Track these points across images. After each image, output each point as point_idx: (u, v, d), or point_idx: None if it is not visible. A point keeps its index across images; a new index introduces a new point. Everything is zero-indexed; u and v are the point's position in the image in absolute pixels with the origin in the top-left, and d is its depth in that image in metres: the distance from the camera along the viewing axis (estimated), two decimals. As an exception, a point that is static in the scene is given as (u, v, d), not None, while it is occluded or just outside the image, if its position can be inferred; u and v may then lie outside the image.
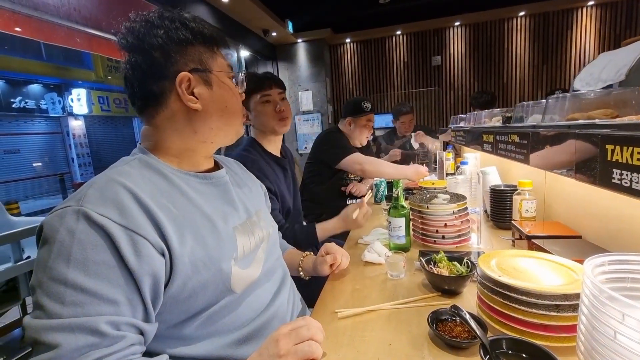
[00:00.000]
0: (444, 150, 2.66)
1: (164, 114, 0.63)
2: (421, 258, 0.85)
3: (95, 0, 3.00)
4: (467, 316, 0.53)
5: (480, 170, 1.28)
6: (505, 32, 4.96)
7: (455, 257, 0.82)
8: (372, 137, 5.13)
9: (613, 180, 0.45)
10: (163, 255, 0.53)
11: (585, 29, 4.68)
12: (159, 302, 0.53)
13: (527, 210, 0.97)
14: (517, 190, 1.07)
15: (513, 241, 0.96)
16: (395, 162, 3.02)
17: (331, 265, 0.87)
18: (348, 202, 2.05)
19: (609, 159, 0.45)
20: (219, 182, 0.69)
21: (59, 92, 11.18)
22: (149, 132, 0.65)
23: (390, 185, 1.97)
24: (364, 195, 2.07)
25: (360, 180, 2.14)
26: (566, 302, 0.51)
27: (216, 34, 0.66)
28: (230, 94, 0.68)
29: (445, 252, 0.84)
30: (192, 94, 0.62)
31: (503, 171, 1.33)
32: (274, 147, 1.31)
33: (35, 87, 10.76)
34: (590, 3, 4.57)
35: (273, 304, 0.70)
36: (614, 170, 0.44)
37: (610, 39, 4.62)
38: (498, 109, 1.12)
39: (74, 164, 11.63)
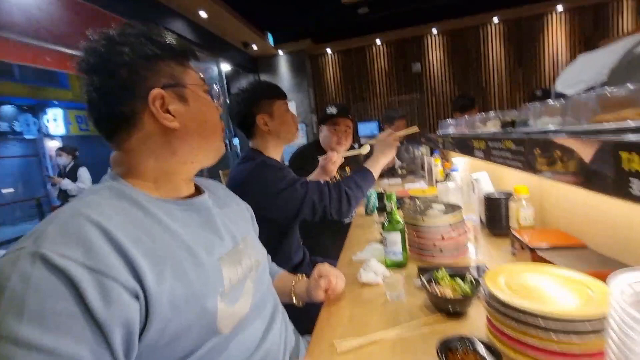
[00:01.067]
0: (430, 155, 2.66)
1: (138, 136, 0.56)
2: (421, 276, 0.80)
3: (68, 18, 2.90)
4: (482, 349, 0.48)
5: (473, 177, 1.25)
6: (481, 38, 5.10)
7: (457, 273, 0.77)
8: (357, 145, 5.13)
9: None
10: (137, 298, 0.46)
11: (556, 33, 4.87)
12: (133, 354, 0.46)
13: (525, 218, 0.94)
14: (512, 196, 1.04)
15: (514, 252, 0.92)
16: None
17: (326, 290, 0.81)
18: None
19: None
20: (202, 207, 0.62)
21: (34, 113, 10.80)
22: (120, 157, 0.59)
23: (381, 195, 1.94)
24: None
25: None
26: (587, 327, 0.46)
27: (186, 47, 0.60)
28: (208, 108, 0.62)
29: (445, 267, 0.79)
30: (168, 111, 0.56)
31: (494, 176, 1.31)
32: (277, 154, 1.26)
33: (8, 109, 10.37)
34: (560, 9, 4.76)
35: (265, 341, 0.63)
36: None
37: (580, 42, 4.81)
38: (492, 112, 1.09)
39: (50, 187, 11.19)
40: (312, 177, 1.60)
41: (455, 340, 0.56)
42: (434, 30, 5.17)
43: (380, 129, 5.22)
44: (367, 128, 5.17)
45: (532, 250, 0.76)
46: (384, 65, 5.49)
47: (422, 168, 2.81)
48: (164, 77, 0.57)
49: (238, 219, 0.74)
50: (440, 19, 4.91)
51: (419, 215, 1.01)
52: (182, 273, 0.51)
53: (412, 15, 4.88)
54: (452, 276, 0.76)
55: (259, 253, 0.73)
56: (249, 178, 1.08)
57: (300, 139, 5.39)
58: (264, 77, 5.42)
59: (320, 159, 1.45)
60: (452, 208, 1.05)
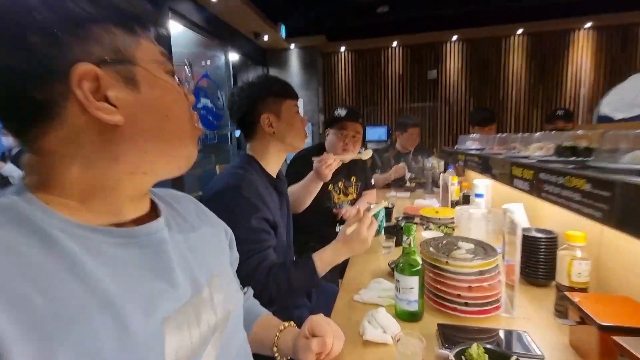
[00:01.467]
0: (444, 171, 2.46)
1: (58, 133, 0.37)
2: (446, 346, 0.60)
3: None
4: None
5: (507, 208, 1.05)
6: (502, 49, 4.88)
7: (500, 353, 0.57)
8: (364, 149, 4.93)
9: None
10: None
11: (581, 50, 4.64)
12: None
13: (579, 274, 0.74)
14: (554, 238, 0.84)
15: (559, 315, 0.72)
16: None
17: (319, 354, 0.61)
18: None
19: None
20: (150, 240, 0.42)
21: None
22: (34, 163, 0.39)
23: (389, 211, 1.73)
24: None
25: (353, 203, 1.89)
26: None
27: (137, 6, 0.40)
28: (173, 97, 0.43)
29: (474, 330, 0.60)
30: (106, 99, 0.37)
31: (529, 208, 1.11)
32: (274, 166, 1.07)
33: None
34: (587, 25, 4.54)
35: None
36: None
37: (606, 62, 4.58)
38: (539, 133, 0.89)
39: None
40: (305, 181, 1.43)
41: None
42: (454, 37, 4.95)
43: (390, 135, 5.02)
44: (375, 133, 4.97)
45: (604, 330, 0.56)
46: (398, 69, 5.27)
47: (434, 182, 2.61)
48: (100, 48, 0.37)
49: (209, 249, 0.54)
50: (461, 26, 4.69)
51: (441, 256, 0.81)
52: (91, 350, 0.32)
53: (433, 20, 4.66)
54: (492, 356, 0.56)
55: (232, 299, 0.53)
56: (218, 197, 0.90)
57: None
58: (272, 71, 5.21)
59: (315, 160, 1.26)
60: (484, 250, 0.85)
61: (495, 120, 2.72)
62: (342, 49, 5.35)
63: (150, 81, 0.41)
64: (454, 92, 5.12)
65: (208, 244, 0.55)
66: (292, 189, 1.55)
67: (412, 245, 0.78)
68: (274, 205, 1.00)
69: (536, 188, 0.76)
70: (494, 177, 1.08)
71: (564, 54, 4.69)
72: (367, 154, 1.50)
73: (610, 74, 4.55)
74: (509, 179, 0.90)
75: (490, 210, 1.31)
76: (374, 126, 5.07)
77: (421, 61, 5.18)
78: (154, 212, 0.48)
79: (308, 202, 1.50)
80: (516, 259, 0.77)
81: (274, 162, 1.05)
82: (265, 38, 4.62)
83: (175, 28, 3.28)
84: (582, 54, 4.64)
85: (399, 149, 2.91)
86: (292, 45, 5.04)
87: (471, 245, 0.86)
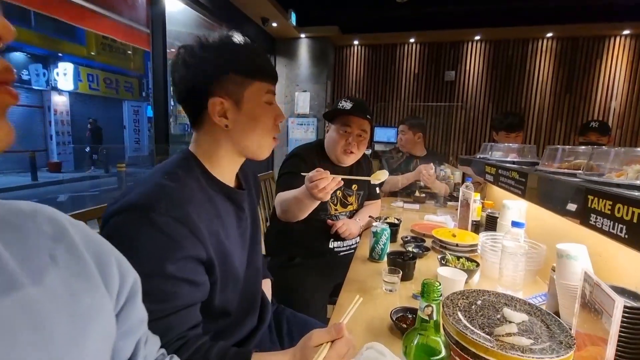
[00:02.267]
0: (462, 182, 2.14)
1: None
2: None
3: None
4: None
5: (565, 251, 0.74)
6: (528, 53, 4.51)
7: None
8: (370, 151, 4.62)
9: None
10: None
11: (617, 59, 4.25)
12: None
13: None
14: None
15: None
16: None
17: None
18: (331, 245, 1.50)
19: None
20: None
21: (45, 64, 10.48)
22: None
23: (395, 228, 1.43)
24: (353, 237, 1.52)
25: (353, 215, 1.59)
26: None
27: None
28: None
29: None
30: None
31: (594, 254, 0.79)
32: (227, 172, 0.75)
33: (18, 56, 10.06)
34: (626, 32, 4.15)
35: None
36: None
37: (643, 74, 4.19)
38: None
39: (52, 141, 10.88)
40: (298, 194, 1.11)
41: None
42: (477, 37, 4.59)
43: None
44: (384, 134, 4.64)
45: None
46: (413, 67, 4.93)
47: (447, 194, 2.29)
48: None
49: (83, 307, 0.30)
50: (485, 24, 4.32)
51: (483, 337, 0.51)
52: None
53: (455, 16, 4.30)
54: None
55: None
56: (115, 222, 0.59)
57: (310, 134, 4.89)
58: (280, 61, 4.91)
59: (306, 178, 0.96)
60: (546, 328, 0.54)
61: (524, 126, 2.40)
62: (356, 42, 5.02)
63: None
64: (472, 97, 4.76)
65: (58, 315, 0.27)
66: (283, 198, 1.25)
67: (434, 316, 0.48)
68: (223, 227, 0.70)
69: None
70: (544, 203, 0.78)
71: (596, 63, 4.30)
72: (382, 175, 1.18)
73: (645, 87, 4.17)
74: (580, 213, 0.60)
75: (532, 246, 1.00)
76: (383, 127, 4.75)
77: (439, 60, 4.83)
78: None
79: (302, 216, 1.22)
80: (608, 352, 0.47)
81: (226, 167, 0.74)
82: (274, 25, 4.31)
83: (174, 5, 2.99)
84: (617, 63, 4.25)
85: (404, 150, 2.61)
86: (303, 35, 4.73)
87: (524, 317, 0.56)
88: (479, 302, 0.59)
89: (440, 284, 0.48)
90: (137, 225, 0.56)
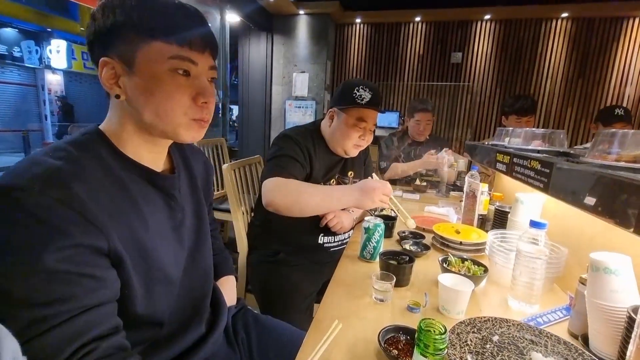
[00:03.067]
0: (467, 171, 1.97)
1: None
2: None
3: None
4: None
5: (603, 263, 0.58)
6: (541, 34, 4.24)
7: None
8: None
9: None
10: None
11: (634, 42, 3.99)
12: None
13: None
14: None
15: None
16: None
17: None
18: (320, 240, 1.35)
19: None
20: None
21: (37, 40, 10.11)
22: None
23: (392, 223, 1.27)
24: (345, 232, 1.36)
25: (346, 206, 1.43)
26: None
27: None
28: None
29: None
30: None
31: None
32: (145, 151, 0.60)
33: (9, 32, 9.72)
34: (646, 13, 3.87)
35: None
36: None
37: (662, 59, 3.94)
38: None
39: (47, 121, 10.65)
40: (322, 192, 1.11)
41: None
42: (487, 16, 4.30)
43: (402, 122, 4.49)
44: (385, 119, 4.44)
45: None
46: (418, 48, 4.67)
47: (449, 183, 2.13)
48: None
49: None
50: (496, 2, 4.05)
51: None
52: None
53: (465, -7, 4.03)
54: None
55: None
56: None
57: (308, 117, 4.69)
58: (278, 39, 4.64)
59: (376, 187, 1.01)
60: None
61: (536, 110, 2.20)
62: (358, 20, 4.74)
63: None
64: (479, 80, 4.52)
65: None
66: (291, 187, 1.13)
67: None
68: (140, 217, 0.56)
69: None
70: (580, 202, 0.61)
71: (612, 46, 4.04)
72: (410, 224, 1.05)
73: (663, 73, 3.92)
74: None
75: (552, 249, 0.84)
76: (385, 111, 4.53)
77: (445, 41, 4.56)
78: None
79: (314, 214, 1.20)
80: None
81: (142, 147, 0.60)
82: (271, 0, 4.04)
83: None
84: (634, 46, 3.99)
85: (413, 137, 2.42)
86: (302, 11, 4.45)
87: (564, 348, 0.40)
88: (495, 339, 0.44)
89: (444, 332, 0.32)
90: (4, 211, 0.44)
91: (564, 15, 4.09)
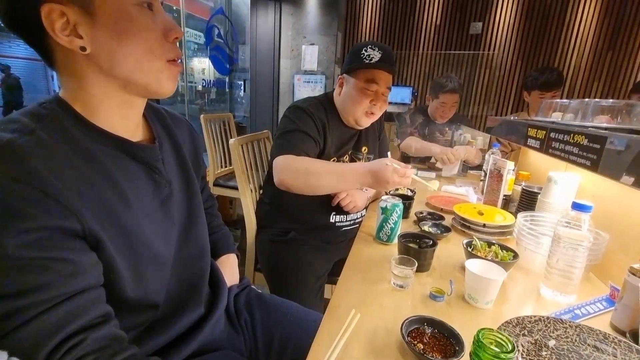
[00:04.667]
0: (488, 148, 1.85)
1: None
2: None
3: None
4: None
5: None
6: (570, 1, 3.92)
7: None
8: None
9: None
10: None
11: (673, 10, 3.66)
12: None
13: None
14: None
15: None
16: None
17: None
18: (332, 219, 1.28)
19: None
20: None
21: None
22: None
23: (409, 202, 1.20)
24: (359, 211, 1.29)
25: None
26: None
27: None
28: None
29: None
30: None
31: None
32: (118, 117, 0.53)
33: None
34: (691, -24, 3.52)
35: None
36: None
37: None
38: None
39: (56, 97, 10.66)
40: (337, 172, 1.02)
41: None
42: (512, -19, 3.99)
43: (414, 98, 4.30)
44: (398, 94, 4.25)
45: None
46: (435, 18, 4.39)
47: (466, 162, 2.02)
48: None
49: None
50: (523, -34, 3.74)
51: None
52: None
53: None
54: None
55: None
56: None
57: (317, 92, 4.52)
58: (286, 9, 4.41)
59: (389, 167, 0.89)
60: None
61: (562, 85, 2.03)
62: (371, -13, 4.46)
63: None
64: (499, 52, 4.26)
65: None
66: (304, 166, 1.05)
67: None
68: (118, 193, 0.50)
69: None
70: None
71: (648, 14, 3.72)
72: (434, 184, 1.06)
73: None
74: None
75: (597, 235, 0.75)
76: (398, 86, 4.33)
77: (465, 10, 4.27)
78: None
79: (328, 192, 1.15)
80: None
81: (114, 112, 0.52)
82: (279, -36, 3.79)
83: None
84: (673, 15, 3.66)
85: (432, 116, 2.25)
86: (311, -22, 4.19)
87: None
88: (551, 344, 0.37)
89: (512, 349, 0.25)
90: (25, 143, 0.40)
91: (597, -21, 3.75)
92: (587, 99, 0.87)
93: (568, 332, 0.39)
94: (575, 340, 0.38)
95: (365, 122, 1.23)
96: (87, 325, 0.43)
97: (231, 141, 1.32)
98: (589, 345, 0.37)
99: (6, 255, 0.38)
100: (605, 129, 0.70)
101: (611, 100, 0.80)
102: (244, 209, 1.35)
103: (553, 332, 0.39)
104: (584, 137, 0.73)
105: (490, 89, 4.39)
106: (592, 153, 0.68)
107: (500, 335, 0.26)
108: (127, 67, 0.48)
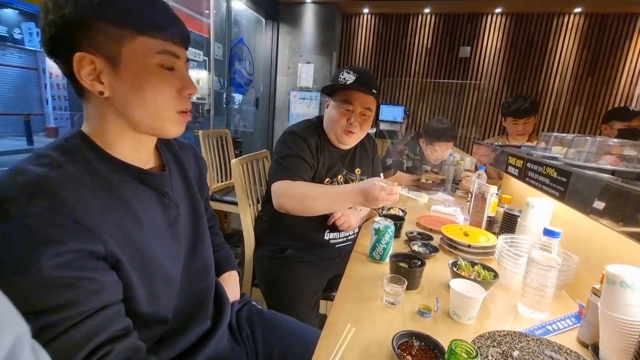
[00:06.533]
0: (475, 170, 1.96)
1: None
2: None
3: None
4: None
5: (615, 274, 0.58)
6: (552, 29, 4.16)
7: None
8: (374, 130, 4.37)
9: None
10: None
11: (647, 41, 3.92)
12: None
13: None
14: None
15: None
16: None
17: None
18: (327, 237, 1.35)
19: None
20: None
21: (38, 22, 9.97)
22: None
23: (400, 223, 1.28)
24: (352, 230, 1.37)
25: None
26: None
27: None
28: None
29: None
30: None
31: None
32: (132, 150, 0.60)
33: (10, 13, 9.56)
34: (662, 10, 3.79)
35: None
36: None
37: (673, 59, 3.88)
38: None
39: (48, 106, 10.57)
40: (331, 195, 1.09)
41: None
42: (498, 9, 4.22)
43: (406, 116, 4.44)
44: (390, 113, 4.39)
45: None
46: (426, 41, 4.59)
47: (455, 182, 2.12)
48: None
49: None
50: (509, -4, 3.97)
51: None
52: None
53: (476, -15, 3.94)
54: None
55: None
56: None
57: (312, 109, 4.65)
58: (284, 29, 4.57)
59: (377, 186, 0.96)
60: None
61: (536, 111, 2.13)
62: (366, 10, 4.66)
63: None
64: (487, 76, 4.47)
65: None
66: (300, 190, 1.13)
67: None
68: (133, 217, 0.56)
69: None
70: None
71: (624, 44, 3.97)
72: (423, 198, 1.10)
73: (674, 73, 3.87)
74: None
75: (564, 256, 0.84)
76: (390, 105, 4.49)
77: (454, 34, 4.49)
78: None
79: (323, 213, 1.21)
80: None
81: (128, 145, 0.59)
82: (278, -14, 3.96)
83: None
84: (647, 45, 3.92)
85: (427, 158, 2.33)
86: (309, 0, 4.37)
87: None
88: (515, 354, 0.44)
89: (475, 355, 0.32)
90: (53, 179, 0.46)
91: (577, 10, 4.01)
92: (597, 138, 0.80)
93: (530, 344, 0.47)
94: (535, 351, 0.45)
95: (348, 140, 1.29)
96: (112, 337, 0.49)
97: (233, 162, 1.39)
98: (546, 355, 0.45)
99: (42, 276, 0.43)
100: (613, 172, 0.69)
101: (617, 140, 0.75)
102: (243, 226, 1.41)
103: (517, 344, 0.47)
104: (554, 170, 0.82)
105: (478, 112, 4.58)
106: (560, 185, 0.77)
107: (468, 345, 0.33)
108: (138, 114, 0.55)
